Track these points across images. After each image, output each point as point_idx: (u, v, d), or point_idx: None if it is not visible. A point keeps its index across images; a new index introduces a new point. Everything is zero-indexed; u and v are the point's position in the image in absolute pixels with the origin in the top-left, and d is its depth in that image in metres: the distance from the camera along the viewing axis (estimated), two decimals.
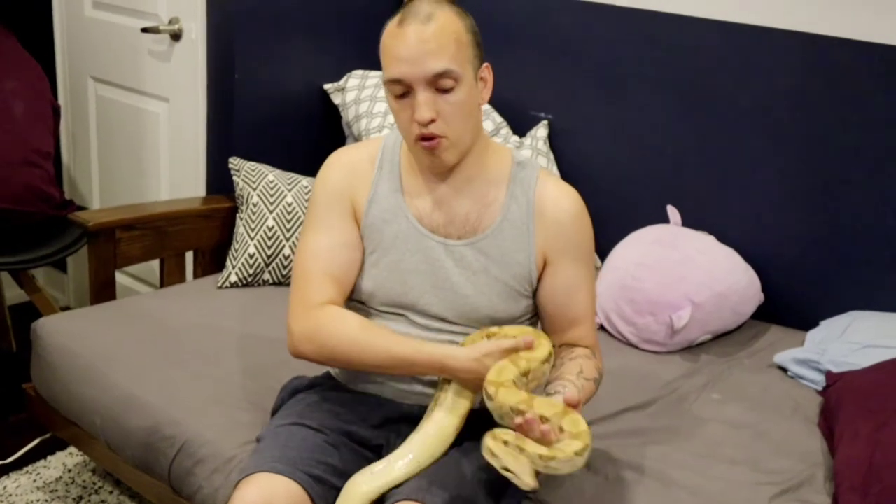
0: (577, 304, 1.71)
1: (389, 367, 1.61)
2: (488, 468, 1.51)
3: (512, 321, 1.69)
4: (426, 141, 1.58)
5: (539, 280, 1.69)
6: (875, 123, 2.35)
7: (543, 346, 1.57)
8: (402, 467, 1.56)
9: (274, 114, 2.86)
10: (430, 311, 1.68)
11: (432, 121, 1.55)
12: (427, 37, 1.53)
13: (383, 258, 1.68)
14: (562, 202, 1.68)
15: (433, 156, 1.60)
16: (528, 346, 1.54)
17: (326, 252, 1.67)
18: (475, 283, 1.66)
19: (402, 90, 1.55)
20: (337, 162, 1.72)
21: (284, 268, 2.56)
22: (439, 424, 1.58)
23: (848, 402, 1.90)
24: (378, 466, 1.57)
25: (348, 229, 1.69)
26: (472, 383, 1.57)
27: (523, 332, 1.59)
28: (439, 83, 1.54)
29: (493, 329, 1.63)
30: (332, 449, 1.63)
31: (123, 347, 2.15)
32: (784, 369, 2.27)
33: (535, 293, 1.71)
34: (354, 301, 1.73)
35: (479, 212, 1.67)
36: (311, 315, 1.63)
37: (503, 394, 1.46)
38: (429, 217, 1.67)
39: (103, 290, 2.47)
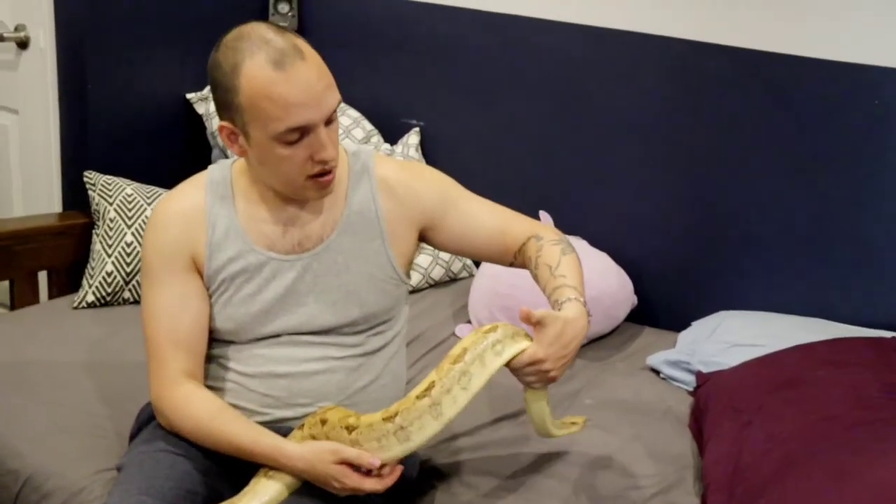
0: (488, 222, 1.70)
1: (236, 455, 1.53)
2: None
3: (386, 312, 1.66)
4: (324, 176, 1.52)
5: (441, 242, 1.70)
6: (735, 123, 2.39)
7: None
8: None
9: (133, 125, 2.74)
10: (304, 329, 1.61)
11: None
12: (315, 73, 1.46)
13: (238, 294, 1.60)
14: (405, 175, 1.68)
15: (325, 189, 1.54)
16: (370, 468, 1.43)
17: (167, 318, 1.58)
18: (339, 286, 1.61)
19: (298, 136, 1.46)
20: (164, 218, 1.60)
21: None
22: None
23: (715, 402, 1.91)
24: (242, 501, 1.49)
25: (190, 286, 1.59)
26: (306, 475, 1.49)
27: (375, 431, 1.46)
28: (330, 117, 1.49)
29: (351, 421, 1.49)
30: (199, 475, 1.54)
31: None
32: (657, 371, 2.27)
33: (447, 247, 1.72)
34: (222, 341, 1.64)
35: (332, 217, 1.62)
36: (164, 393, 1.57)
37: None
38: (280, 241, 1.60)
39: None
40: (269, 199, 1.60)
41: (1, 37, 2.63)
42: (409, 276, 1.71)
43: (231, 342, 1.63)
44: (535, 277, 1.65)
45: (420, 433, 1.43)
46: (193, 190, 1.62)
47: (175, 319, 1.58)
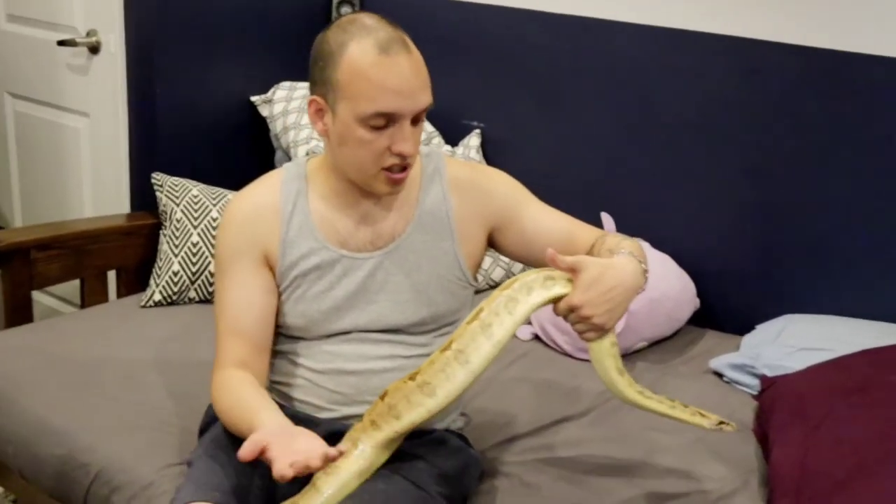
0: (555, 228, 1.67)
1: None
2: (415, 487, 1.51)
3: (453, 314, 1.66)
4: (399, 173, 1.52)
5: (506, 248, 1.68)
6: (807, 126, 2.35)
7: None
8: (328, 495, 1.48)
9: (199, 127, 2.79)
10: (373, 326, 1.62)
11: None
12: (416, 69, 1.48)
13: (310, 290, 1.61)
14: (476, 176, 1.69)
15: (396, 185, 1.55)
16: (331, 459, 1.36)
17: (231, 307, 1.61)
18: (410, 285, 1.62)
19: (384, 123, 1.47)
20: (238, 213, 1.62)
21: (210, 285, 2.48)
22: (355, 470, 1.50)
23: (781, 406, 1.88)
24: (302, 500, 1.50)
25: (258, 278, 1.61)
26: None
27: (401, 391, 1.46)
28: (418, 116, 1.50)
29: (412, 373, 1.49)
30: (268, 471, 1.54)
31: (37, 373, 2.06)
32: (720, 375, 2.25)
33: (512, 254, 1.69)
34: (292, 337, 1.66)
35: (404, 216, 1.63)
36: (215, 377, 1.60)
37: None
38: (353, 238, 1.61)
39: (19, 313, 2.38)
40: (343, 194, 1.61)
41: (73, 42, 2.70)
42: (476, 279, 1.71)
43: (300, 338, 1.64)
44: None
45: (477, 354, 1.42)
46: (268, 187, 1.64)
47: (239, 311, 1.60)
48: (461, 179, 1.67)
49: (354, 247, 1.61)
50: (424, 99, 1.49)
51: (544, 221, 1.68)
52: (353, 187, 1.59)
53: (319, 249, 1.60)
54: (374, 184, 1.55)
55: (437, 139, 2.86)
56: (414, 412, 1.45)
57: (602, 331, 1.47)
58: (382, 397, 1.49)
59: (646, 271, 1.51)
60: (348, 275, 1.61)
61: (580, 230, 1.69)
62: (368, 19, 1.51)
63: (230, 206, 1.64)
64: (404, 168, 1.53)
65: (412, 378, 1.46)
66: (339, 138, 1.52)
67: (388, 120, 1.47)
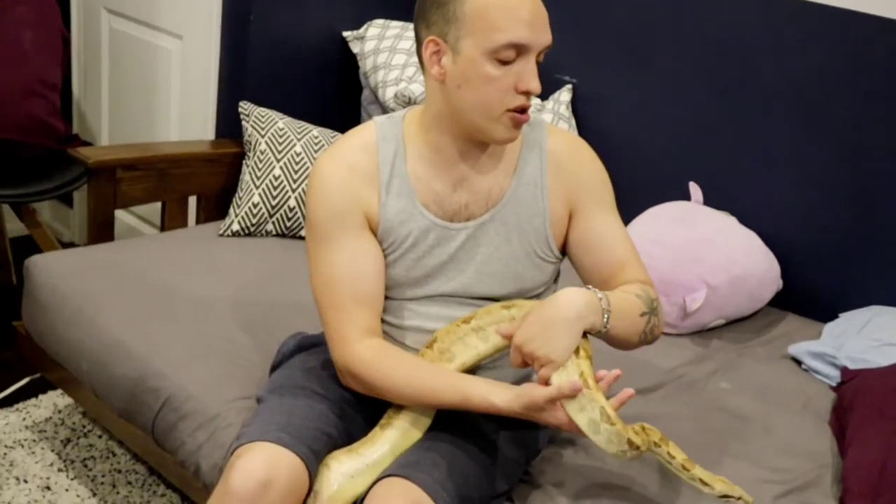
0: (614, 248, 1.63)
1: (440, 407, 1.53)
2: (481, 449, 1.50)
3: (538, 287, 1.64)
4: (522, 113, 1.49)
5: (567, 236, 1.64)
6: None
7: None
8: (383, 452, 1.50)
9: (289, 59, 2.77)
10: (458, 293, 1.61)
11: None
12: (540, 4, 1.48)
13: (402, 258, 1.59)
14: (576, 155, 1.65)
15: (518, 128, 1.51)
16: (575, 391, 1.39)
17: (348, 276, 1.55)
18: (500, 257, 1.60)
19: (513, 56, 1.44)
20: (335, 176, 1.55)
21: (289, 219, 2.48)
22: (414, 420, 1.54)
23: (862, 402, 1.82)
24: (360, 449, 1.51)
25: (366, 241, 1.56)
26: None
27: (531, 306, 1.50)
28: (540, 56, 1.48)
29: (512, 303, 1.55)
30: (335, 418, 1.57)
31: (115, 292, 2.09)
32: (798, 361, 2.19)
33: (563, 251, 1.66)
34: None
35: (499, 182, 1.59)
36: (350, 353, 1.53)
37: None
38: (449, 200, 1.58)
39: (102, 230, 2.41)
40: (442, 150, 1.56)
41: None
42: (563, 253, 1.67)
43: (385, 297, 1.62)
44: None
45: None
46: (363, 148, 1.58)
47: (356, 278, 1.55)
48: (561, 155, 1.62)
49: (450, 210, 1.58)
50: (549, 35, 1.48)
51: (609, 238, 1.63)
52: (454, 145, 1.56)
53: (416, 216, 1.57)
54: (495, 128, 1.50)
55: None
56: (467, 353, 1.53)
57: (552, 363, 1.42)
58: (431, 345, 1.53)
59: (606, 311, 1.46)
60: (441, 244, 1.58)
61: (634, 265, 1.63)
62: None
63: (323, 168, 1.57)
64: (526, 109, 1.49)
65: (466, 322, 1.53)
66: (462, 78, 1.47)
67: (517, 53, 1.44)
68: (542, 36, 1.46)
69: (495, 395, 1.44)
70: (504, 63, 1.44)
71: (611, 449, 1.43)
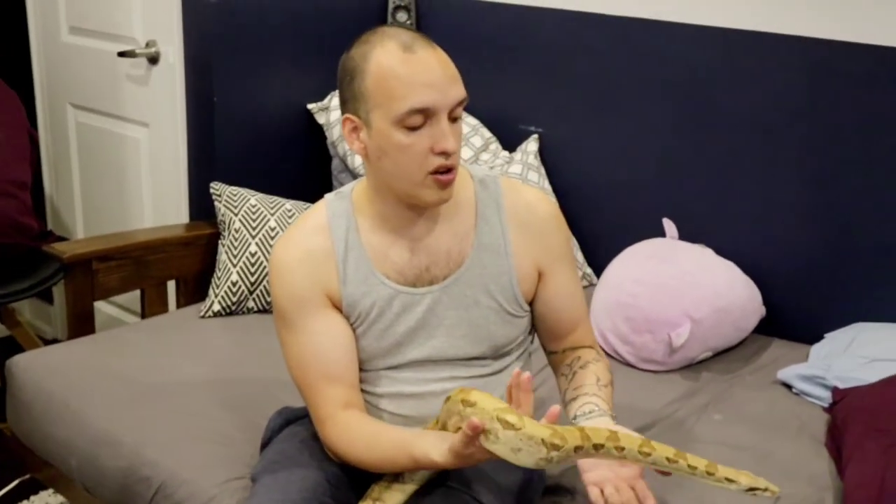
0: (575, 307, 1.66)
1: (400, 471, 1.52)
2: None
3: (511, 343, 1.63)
4: (446, 174, 1.47)
5: (536, 293, 1.63)
6: (876, 128, 2.28)
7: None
8: None
9: (257, 136, 2.79)
10: (432, 358, 1.60)
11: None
12: (444, 62, 1.45)
13: (370, 330, 1.58)
14: (537, 209, 1.63)
15: (444, 190, 1.49)
16: (475, 430, 1.28)
17: (316, 356, 1.55)
18: (469, 320, 1.59)
19: (421, 121, 1.43)
20: (291, 261, 1.55)
21: (269, 295, 2.47)
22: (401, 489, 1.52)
23: (855, 420, 1.82)
24: None
25: (331, 320, 1.56)
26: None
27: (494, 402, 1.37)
28: (454, 112, 1.45)
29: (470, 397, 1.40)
30: (331, 488, 1.55)
31: (99, 384, 2.07)
32: (788, 386, 2.18)
33: (531, 305, 1.65)
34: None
35: (458, 244, 1.58)
36: (324, 431, 1.56)
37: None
38: (408, 265, 1.57)
39: (82, 323, 2.40)
40: (392, 218, 1.56)
41: (133, 53, 2.72)
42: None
43: (360, 368, 1.61)
44: (571, 374, 1.64)
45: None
46: (315, 229, 1.58)
47: (324, 357, 1.55)
48: (521, 215, 1.61)
49: (411, 276, 1.57)
50: (457, 91, 1.45)
51: (571, 298, 1.66)
52: (402, 209, 1.54)
53: (377, 286, 1.56)
54: (423, 192, 1.48)
55: (495, 145, 2.83)
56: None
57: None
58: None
59: (614, 417, 1.55)
60: (407, 311, 1.57)
61: (582, 328, 1.68)
62: (388, 28, 1.48)
63: (280, 255, 1.57)
64: (450, 169, 1.47)
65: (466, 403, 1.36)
66: (379, 150, 1.47)
67: (424, 117, 1.43)
68: (448, 95, 1.43)
69: (435, 451, 1.38)
70: (413, 129, 1.43)
71: (524, 459, 1.29)
